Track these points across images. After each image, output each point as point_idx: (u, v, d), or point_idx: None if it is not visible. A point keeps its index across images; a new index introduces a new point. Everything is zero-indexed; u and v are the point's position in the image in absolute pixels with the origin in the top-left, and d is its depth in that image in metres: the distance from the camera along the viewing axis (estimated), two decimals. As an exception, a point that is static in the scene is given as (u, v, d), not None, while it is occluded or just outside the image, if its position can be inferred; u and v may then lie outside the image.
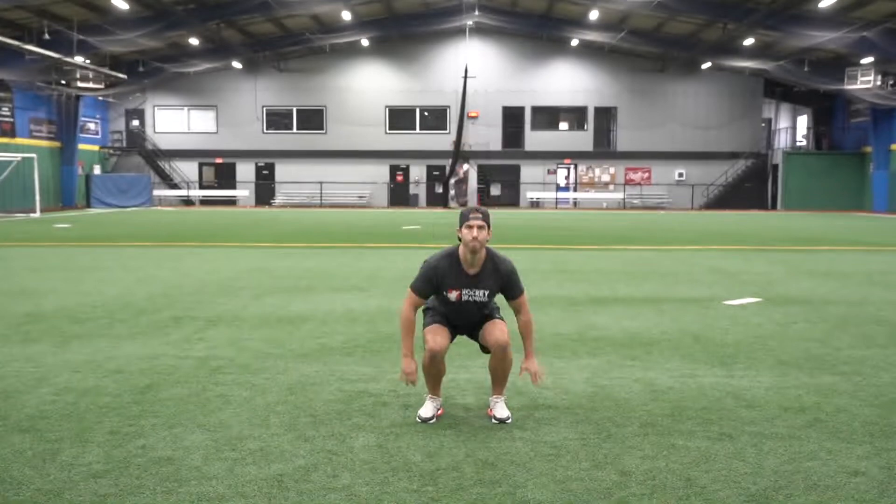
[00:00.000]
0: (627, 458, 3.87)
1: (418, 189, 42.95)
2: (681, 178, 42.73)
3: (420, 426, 4.36)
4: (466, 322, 4.67)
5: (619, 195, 42.64)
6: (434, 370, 4.49)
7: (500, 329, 4.53)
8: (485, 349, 4.72)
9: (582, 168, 43.07)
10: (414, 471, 3.69)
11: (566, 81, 42.56)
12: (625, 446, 4.05)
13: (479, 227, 4.36)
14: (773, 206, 42.26)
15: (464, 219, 4.40)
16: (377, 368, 5.66)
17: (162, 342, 6.52)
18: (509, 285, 4.56)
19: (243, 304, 8.57)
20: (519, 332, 4.60)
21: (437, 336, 4.50)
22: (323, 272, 11.48)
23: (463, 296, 4.51)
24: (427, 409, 4.53)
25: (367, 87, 42.72)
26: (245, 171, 43.54)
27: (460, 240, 4.44)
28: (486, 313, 4.66)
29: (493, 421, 4.49)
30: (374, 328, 7.19)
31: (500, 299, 4.68)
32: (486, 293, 4.52)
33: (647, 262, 13.28)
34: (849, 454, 3.95)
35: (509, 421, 4.48)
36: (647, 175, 42.90)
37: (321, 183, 42.73)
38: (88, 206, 37.61)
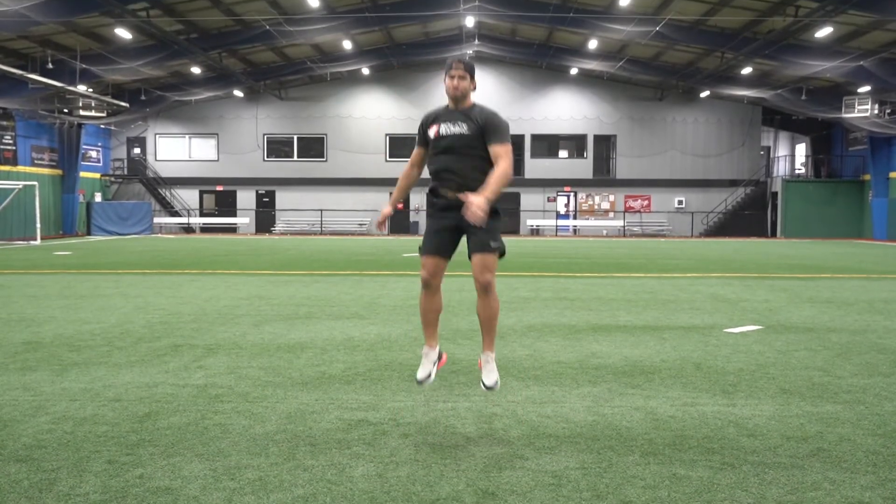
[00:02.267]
0: (629, 488, 3.84)
1: (419, 217, 43.02)
2: (680, 206, 42.83)
3: (420, 455, 4.33)
4: (450, 174, 4.56)
5: (619, 223, 42.71)
6: (428, 304, 4.52)
7: (485, 264, 4.46)
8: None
9: (582, 196, 43.19)
10: (414, 500, 3.66)
11: (566, 109, 42.83)
12: (626, 476, 4.02)
13: (461, 77, 4.41)
14: (773, 234, 42.31)
15: (447, 69, 4.45)
16: (377, 397, 5.63)
17: (161, 370, 6.49)
18: (490, 127, 4.46)
19: (243, 331, 8.54)
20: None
21: (426, 266, 4.57)
22: (323, 300, 11.46)
23: (441, 128, 4.47)
24: (423, 369, 4.58)
25: (367, 116, 42.99)
26: (245, 198, 43.66)
27: (446, 91, 4.52)
28: (475, 168, 4.53)
29: (482, 388, 4.56)
30: (373, 356, 7.16)
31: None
32: (466, 126, 4.45)
33: (647, 289, 13.26)
34: (852, 484, 3.92)
35: (496, 387, 4.48)
36: (646, 203, 43.00)
37: (321, 210, 42.84)
38: (89, 233, 37.66)
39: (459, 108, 4.52)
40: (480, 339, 4.82)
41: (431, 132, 4.49)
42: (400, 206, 4.72)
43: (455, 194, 4.54)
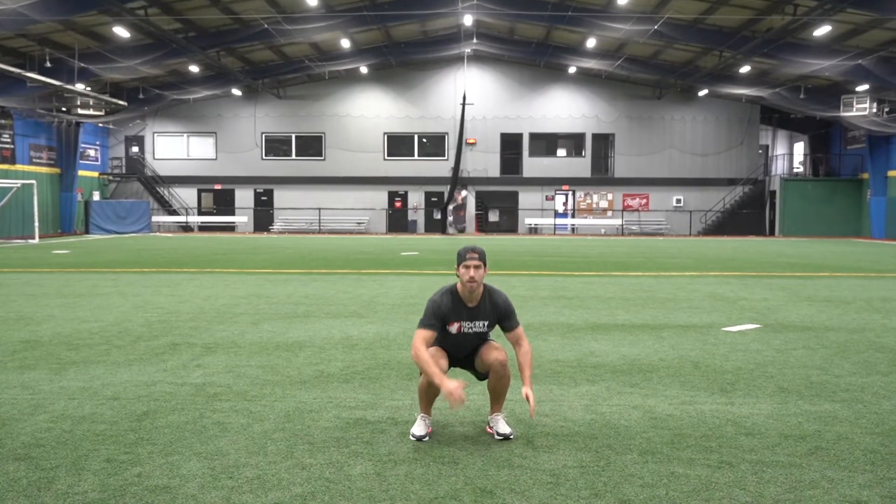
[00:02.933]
0: (627, 487, 3.84)
1: (417, 215, 43.01)
2: (678, 205, 42.84)
3: (418, 453, 4.33)
4: (464, 353, 4.83)
5: (617, 221, 42.71)
6: (432, 390, 4.61)
7: (498, 348, 4.72)
8: (480, 376, 4.87)
9: (580, 194, 43.19)
10: (412, 499, 3.66)
11: (564, 108, 42.81)
12: (624, 474, 4.02)
13: (476, 267, 4.60)
14: (771, 233, 42.33)
15: (461, 259, 4.63)
16: (375, 395, 5.63)
17: (159, 369, 6.49)
18: (505, 316, 4.77)
19: (241, 330, 8.55)
20: (518, 362, 4.71)
21: (437, 358, 4.63)
22: (321, 298, 11.46)
23: (463, 328, 4.71)
24: (420, 427, 4.67)
25: (365, 114, 42.96)
26: (244, 197, 43.63)
27: (459, 278, 4.65)
28: (481, 343, 4.84)
29: (497, 437, 4.61)
30: (372, 355, 7.17)
31: (496, 335, 4.77)
32: (486, 324, 4.73)
33: (645, 288, 13.27)
34: (850, 483, 3.92)
35: (512, 437, 4.59)
36: (644, 201, 43.01)
37: (320, 209, 42.82)
38: (87, 232, 37.63)
39: (474, 300, 4.70)
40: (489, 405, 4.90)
41: (453, 328, 4.69)
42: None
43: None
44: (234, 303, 10.90)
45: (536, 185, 42.91)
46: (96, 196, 40.92)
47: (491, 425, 4.73)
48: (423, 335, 4.57)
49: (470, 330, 4.71)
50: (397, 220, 43.19)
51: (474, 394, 5.59)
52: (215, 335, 8.19)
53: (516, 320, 4.79)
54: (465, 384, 4.32)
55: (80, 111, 32.10)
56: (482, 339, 4.81)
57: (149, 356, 7.04)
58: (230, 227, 43.20)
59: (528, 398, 4.50)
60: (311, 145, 43.54)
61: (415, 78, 42.64)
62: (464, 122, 40.66)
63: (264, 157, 43.51)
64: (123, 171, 43.64)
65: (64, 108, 32.85)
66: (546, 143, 43.58)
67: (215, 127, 43.25)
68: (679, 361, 6.94)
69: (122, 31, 27.32)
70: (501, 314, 4.74)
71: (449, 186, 41.20)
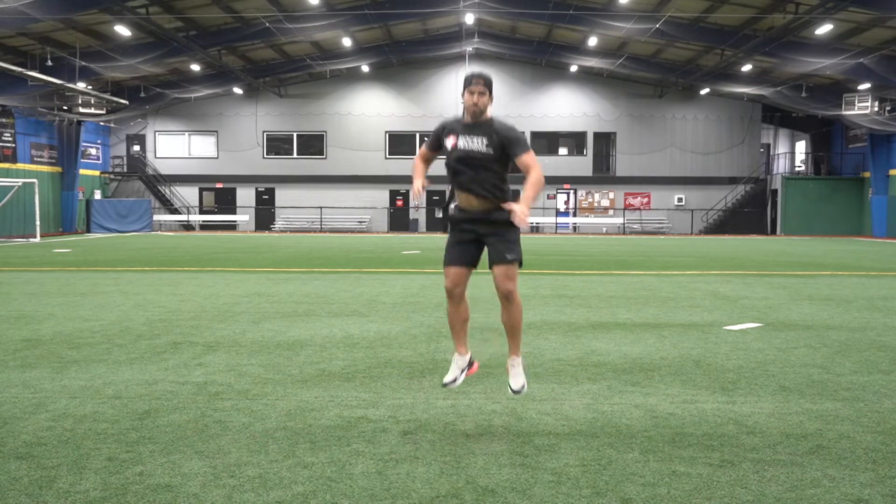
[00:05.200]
0: (628, 486, 3.84)
1: (418, 214, 43.02)
2: (680, 203, 42.83)
3: (420, 452, 4.33)
4: (468, 184, 4.66)
5: (618, 220, 42.70)
6: (455, 313, 4.63)
7: (506, 274, 4.58)
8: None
9: (581, 193, 43.19)
10: (413, 497, 3.66)
11: (565, 107, 42.80)
12: (626, 473, 4.02)
13: (480, 94, 4.48)
14: (773, 231, 42.31)
15: (466, 83, 4.52)
16: (377, 394, 5.63)
17: (160, 368, 6.49)
18: (510, 142, 4.55)
19: (242, 329, 8.55)
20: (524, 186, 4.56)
21: (449, 276, 4.66)
22: (322, 297, 11.46)
23: (459, 142, 4.55)
24: (452, 371, 4.73)
25: (367, 113, 42.96)
26: (245, 196, 43.65)
27: (464, 105, 4.57)
28: (493, 182, 4.65)
29: (510, 392, 4.70)
30: (373, 353, 7.16)
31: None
32: (485, 142, 4.52)
33: (647, 287, 13.26)
34: (852, 482, 3.92)
35: (524, 391, 4.65)
36: (646, 200, 43.00)
37: (321, 208, 42.83)
38: (88, 230, 37.66)
39: (477, 122, 4.56)
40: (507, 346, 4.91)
41: (448, 143, 4.57)
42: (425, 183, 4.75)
43: (482, 206, 4.67)
44: (235, 301, 10.90)
45: (538, 183, 42.84)
46: (97, 195, 40.95)
47: (508, 372, 4.83)
48: (421, 151, 4.81)
49: (467, 146, 4.52)
50: (399, 219, 43.20)
51: (475, 392, 5.60)
52: (216, 334, 8.20)
53: (525, 146, 4.55)
54: (419, 192, 4.64)
55: (81, 110, 32.13)
56: (485, 165, 4.57)
57: (150, 355, 7.04)
58: (231, 226, 43.21)
59: (511, 208, 4.44)
60: (313, 144, 43.55)
61: (416, 76, 42.63)
62: (465, 121, 40.62)
63: (266, 156, 43.53)
64: (125, 170, 43.67)
65: (65, 107, 32.88)
66: (547, 142, 43.57)
67: (216, 125, 43.26)
68: (680, 360, 6.94)
69: (123, 30, 27.34)
70: (505, 139, 4.52)
71: (450, 186, 41.14)
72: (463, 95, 4.52)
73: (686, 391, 5.78)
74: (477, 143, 4.52)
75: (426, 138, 4.79)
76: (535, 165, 4.57)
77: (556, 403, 5.38)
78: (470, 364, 4.93)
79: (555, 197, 43.16)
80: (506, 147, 4.54)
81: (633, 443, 4.53)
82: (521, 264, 4.72)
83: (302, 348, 7.40)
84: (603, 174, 43.48)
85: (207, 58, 31.79)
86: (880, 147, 37.06)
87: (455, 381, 4.68)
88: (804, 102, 35.34)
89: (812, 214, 40.72)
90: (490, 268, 4.76)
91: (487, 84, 4.48)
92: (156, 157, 43.40)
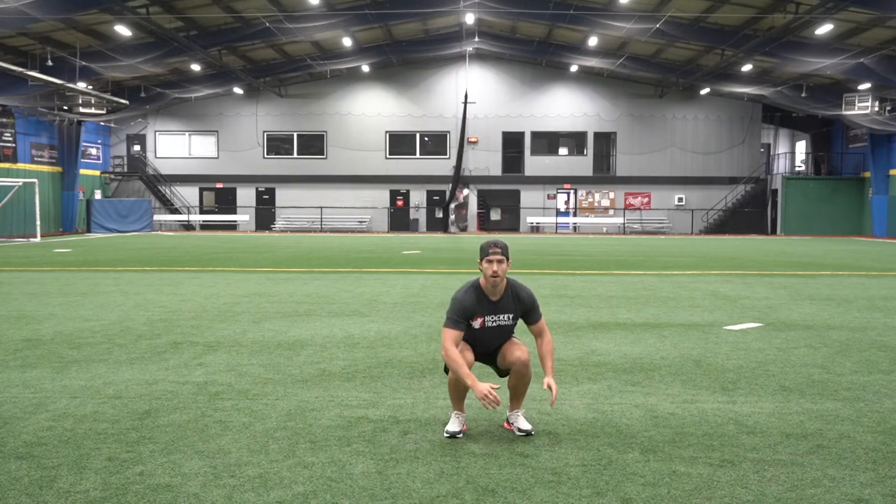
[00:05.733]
0: (629, 485, 3.84)
1: (418, 214, 43.02)
2: (680, 203, 42.82)
3: (420, 452, 4.33)
4: (487, 348, 4.87)
5: (618, 220, 42.70)
6: (460, 386, 4.64)
7: (521, 348, 4.77)
8: (501, 372, 4.93)
9: (582, 193, 43.18)
10: (414, 497, 3.66)
11: (566, 107, 42.79)
12: (626, 473, 4.02)
13: (499, 261, 4.65)
14: (773, 231, 42.30)
15: (484, 253, 4.66)
16: (377, 394, 5.64)
17: (161, 367, 6.49)
18: (530, 310, 4.83)
19: (242, 329, 8.55)
20: (540, 353, 4.79)
21: (464, 352, 4.70)
22: (323, 297, 11.46)
23: (486, 322, 4.74)
24: (454, 424, 4.71)
25: (367, 113, 42.96)
26: (245, 195, 43.65)
27: (482, 272, 4.69)
28: (504, 339, 4.88)
29: (518, 433, 4.67)
30: (373, 353, 7.17)
31: (519, 328, 4.84)
32: (510, 317, 4.78)
33: (647, 287, 13.26)
34: (852, 481, 3.92)
35: (533, 433, 4.66)
36: (646, 200, 42.99)
37: (321, 208, 42.83)
38: (89, 230, 37.66)
39: (497, 294, 4.74)
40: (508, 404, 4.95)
41: (476, 324, 4.74)
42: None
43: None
44: (235, 301, 10.90)
45: (538, 183, 42.89)
46: (98, 195, 40.96)
47: (510, 422, 4.79)
48: (452, 335, 4.63)
49: (493, 324, 4.75)
50: (399, 219, 43.19)
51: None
52: (217, 334, 8.20)
53: (539, 313, 4.85)
54: (495, 386, 4.45)
55: (81, 110, 32.12)
56: (506, 333, 4.84)
57: (150, 355, 7.04)
58: (232, 226, 43.21)
59: (550, 387, 4.56)
60: (313, 144, 43.55)
61: (416, 76, 42.62)
62: (465, 121, 40.64)
63: (266, 156, 43.52)
64: (125, 170, 43.66)
65: (65, 107, 32.88)
66: (548, 142, 43.57)
67: (217, 125, 43.27)
68: (681, 360, 6.94)
69: (123, 30, 27.32)
70: (525, 307, 4.81)
71: (451, 185, 41.18)
72: (481, 264, 4.66)
73: (686, 391, 5.78)
74: (502, 320, 4.78)
75: (449, 321, 4.62)
76: (547, 330, 4.90)
77: (556, 403, 5.37)
78: (465, 421, 4.88)
79: (555, 197, 43.16)
80: (525, 314, 4.85)
81: (633, 443, 4.53)
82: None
83: (302, 348, 7.41)
84: (603, 174, 43.47)
85: (208, 58, 31.78)
86: (880, 147, 37.04)
87: (461, 431, 4.68)
88: (804, 102, 35.33)
89: (812, 214, 40.70)
90: (500, 352, 4.89)
91: (504, 252, 4.66)
92: (156, 156, 43.39)
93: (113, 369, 6.42)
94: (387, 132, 43.07)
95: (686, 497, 3.69)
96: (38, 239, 30.15)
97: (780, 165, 44.92)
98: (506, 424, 4.84)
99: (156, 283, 13.31)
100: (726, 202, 42.58)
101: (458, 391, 4.68)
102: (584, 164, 43.22)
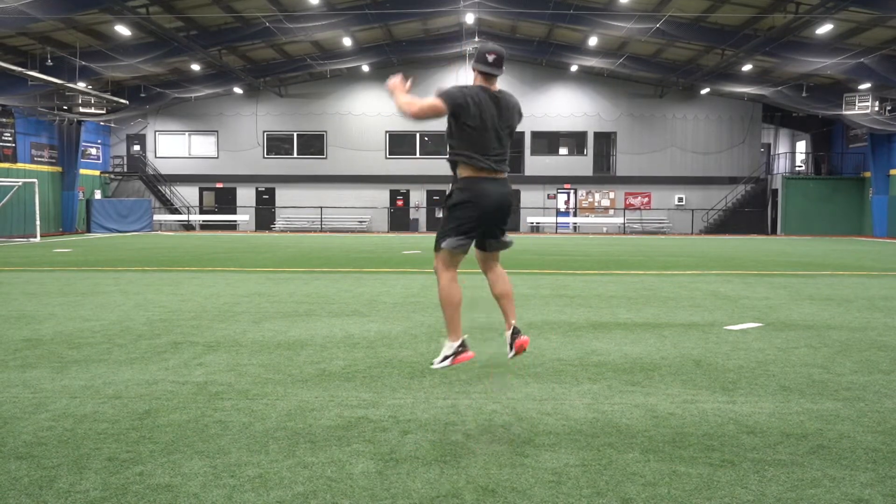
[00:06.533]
0: (629, 485, 3.84)
1: (419, 214, 43.02)
2: (680, 203, 42.83)
3: (420, 452, 4.33)
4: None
5: (619, 220, 42.71)
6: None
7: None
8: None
9: (582, 193, 43.19)
10: (414, 497, 3.66)
11: (566, 106, 42.80)
12: (626, 473, 4.02)
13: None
14: (773, 231, 42.31)
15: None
16: (377, 394, 5.63)
17: (160, 367, 6.49)
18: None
19: (242, 329, 8.55)
20: None
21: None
22: (323, 297, 11.46)
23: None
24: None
25: (367, 112, 42.97)
26: (245, 195, 43.66)
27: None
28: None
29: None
30: (373, 353, 7.16)
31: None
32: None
33: (647, 286, 13.26)
34: (852, 481, 3.92)
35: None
36: (646, 200, 43.00)
37: (321, 208, 42.84)
38: (89, 230, 37.66)
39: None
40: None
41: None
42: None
43: None
44: (235, 301, 10.90)
45: (538, 183, 42.90)
46: (98, 194, 40.96)
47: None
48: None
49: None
50: (399, 219, 43.20)
51: (475, 392, 5.59)
52: (217, 334, 8.20)
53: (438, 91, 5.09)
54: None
55: (81, 110, 32.14)
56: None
57: (150, 355, 7.04)
58: (232, 226, 43.22)
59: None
60: (313, 144, 43.56)
61: (416, 76, 42.58)
62: (465, 121, 40.60)
63: (266, 156, 43.54)
64: (125, 170, 43.68)
65: (65, 107, 32.89)
66: (548, 142, 43.58)
67: (217, 125, 43.28)
68: (681, 360, 6.93)
69: (123, 30, 27.34)
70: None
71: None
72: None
73: (686, 391, 5.78)
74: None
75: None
76: (421, 102, 5.06)
77: (556, 403, 5.37)
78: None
79: (555, 197, 43.17)
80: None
81: (633, 443, 4.52)
82: (436, 248, 5.01)
83: (302, 348, 7.40)
84: (603, 174, 43.48)
85: (208, 57, 31.79)
86: (881, 147, 37.05)
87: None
88: (804, 102, 35.34)
89: (812, 214, 40.71)
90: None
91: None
92: (156, 156, 43.41)
93: (113, 369, 6.41)
94: (387, 132, 43.07)
95: (686, 497, 3.69)
96: (38, 239, 30.15)
97: (781, 165, 44.93)
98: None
99: (156, 283, 13.31)
100: (726, 202, 42.58)
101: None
102: (584, 164, 43.23)
